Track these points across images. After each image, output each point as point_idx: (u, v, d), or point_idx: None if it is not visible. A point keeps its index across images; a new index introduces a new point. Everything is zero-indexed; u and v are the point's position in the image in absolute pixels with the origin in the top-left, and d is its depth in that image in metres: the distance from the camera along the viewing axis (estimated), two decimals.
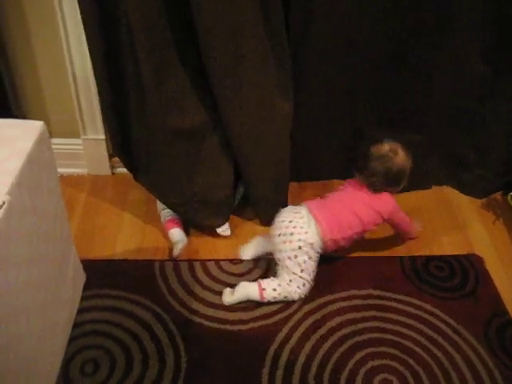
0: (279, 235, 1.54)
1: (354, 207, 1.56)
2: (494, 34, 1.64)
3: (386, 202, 1.59)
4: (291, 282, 1.53)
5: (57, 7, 1.62)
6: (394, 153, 1.56)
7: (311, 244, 1.52)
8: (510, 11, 1.59)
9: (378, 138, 1.61)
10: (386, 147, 1.57)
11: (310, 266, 1.53)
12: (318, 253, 1.55)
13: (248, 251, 1.71)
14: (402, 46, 1.67)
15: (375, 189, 1.58)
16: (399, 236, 1.74)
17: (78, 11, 1.46)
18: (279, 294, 1.53)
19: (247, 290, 1.54)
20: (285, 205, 1.82)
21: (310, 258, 1.53)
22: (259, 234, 1.76)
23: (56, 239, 1.34)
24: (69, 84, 1.79)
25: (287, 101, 1.61)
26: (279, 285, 1.53)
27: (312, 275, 1.55)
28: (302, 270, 1.52)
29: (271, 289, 1.53)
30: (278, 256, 1.56)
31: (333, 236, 1.54)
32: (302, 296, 1.55)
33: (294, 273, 1.52)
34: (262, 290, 1.53)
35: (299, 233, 1.51)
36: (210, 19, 1.37)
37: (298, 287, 1.53)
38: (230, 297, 1.55)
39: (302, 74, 1.70)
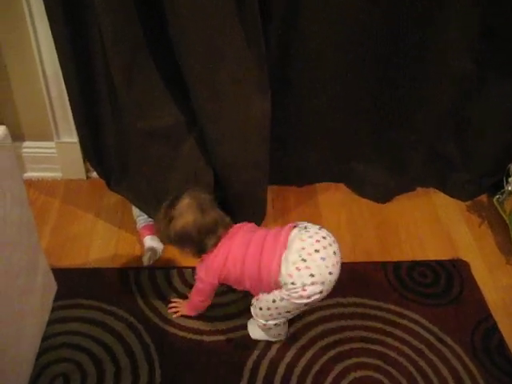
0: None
1: None
2: (481, 32, 1.59)
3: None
4: None
5: (25, 7, 1.55)
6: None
7: None
8: (497, 10, 1.54)
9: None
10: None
11: None
12: None
13: None
14: (389, 47, 1.62)
15: None
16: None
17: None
18: None
19: None
20: (263, 209, 1.77)
21: None
22: None
23: (22, 248, 1.27)
24: (40, 84, 1.71)
25: (265, 99, 1.55)
26: None
27: None
28: None
29: None
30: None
31: None
32: None
33: None
34: None
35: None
36: (185, 22, 1.31)
37: None
38: None
39: (289, 76, 1.66)
